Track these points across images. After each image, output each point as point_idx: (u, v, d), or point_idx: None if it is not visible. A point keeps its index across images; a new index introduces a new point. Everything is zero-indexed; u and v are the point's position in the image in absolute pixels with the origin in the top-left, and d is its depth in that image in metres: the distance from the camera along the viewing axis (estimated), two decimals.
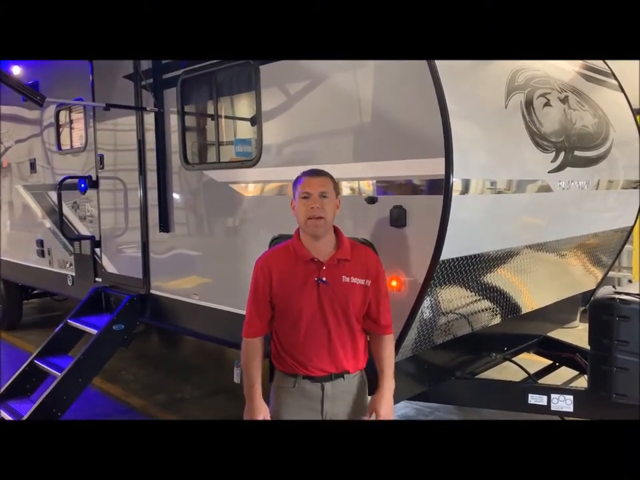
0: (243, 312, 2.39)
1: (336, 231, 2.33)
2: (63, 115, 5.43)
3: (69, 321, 4.58)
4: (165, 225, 4.23)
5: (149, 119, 4.27)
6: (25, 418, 3.82)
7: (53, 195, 5.35)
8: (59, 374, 4.02)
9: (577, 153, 3.60)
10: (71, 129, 5.34)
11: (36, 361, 4.36)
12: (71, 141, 5.34)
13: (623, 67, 4.44)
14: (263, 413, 2.28)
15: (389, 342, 2.40)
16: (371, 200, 2.93)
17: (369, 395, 2.42)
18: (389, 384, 2.35)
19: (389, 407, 2.34)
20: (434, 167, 2.66)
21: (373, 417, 2.33)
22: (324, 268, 2.25)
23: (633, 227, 4.60)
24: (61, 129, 5.50)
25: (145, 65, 4.21)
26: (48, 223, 5.69)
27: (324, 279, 2.24)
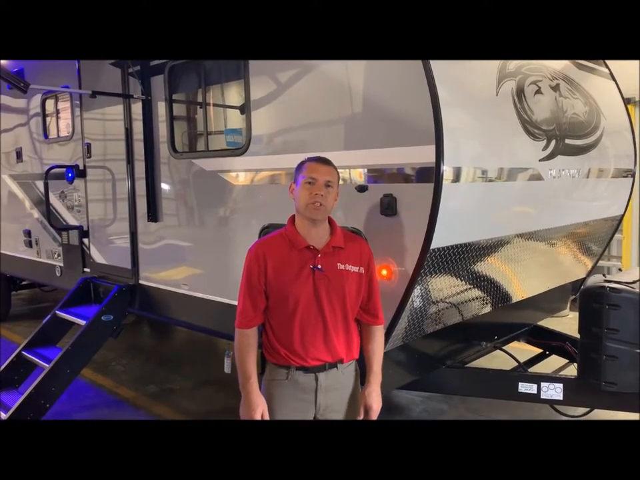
0: (234, 302, 2.35)
1: (329, 220, 2.32)
2: (50, 104, 5.36)
3: (57, 311, 4.54)
4: (153, 215, 4.19)
5: (137, 107, 4.21)
6: (12, 409, 3.79)
7: (40, 185, 5.28)
8: (47, 365, 3.98)
9: (567, 141, 3.59)
10: (58, 117, 5.26)
11: (24, 352, 4.31)
12: (58, 130, 5.27)
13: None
14: (261, 407, 2.22)
15: (379, 333, 2.39)
16: (361, 188, 2.90)
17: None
18: (377, 377, 2.35)
19: (380, 400, 2.35)
20: (424, 155, 2.63)
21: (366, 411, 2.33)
22: (319, 255, 2.23)
23: (623, 216, 4.61)
24: (47, 118, 5.42)
25: None
26: (35, 213, 5.63)
27: (319, 266, 2.22)
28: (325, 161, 2.28)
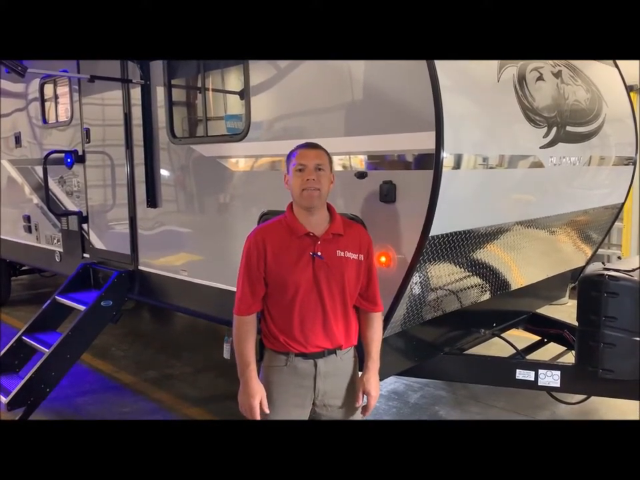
0: (233, 288, 2.35)
1: (328, 206, 2.31)
2: (48, 88, 5.32)
3: (56, 297, 4.55)
4: (152, 201, 4.18)
5: (136, 92, 4.18)
6: (13, 393, 3.81)
7: (39, 170, 5.25)
8: (47, 350, 4.00)
9: (569, 128, 3.57)
10: (57, 102, 5.23)
11: (24, 337, 4.33)
12: (57, 115, 5.24)
13: None
14: (259, 394, 2.21)
15: (377, 320, 2.40)
16: (361, 175, 2.89)
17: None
18: (375, 363, 2.35)
19: (378, 386, 2.36)
20: (424, 141, 2.62)
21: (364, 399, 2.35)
22: (319, 242, 2.22)
23: (623, 204, 4.60)
24: (46, 103, 5.39)
25: None
26: (35, 199, 5.62)
27: (319, 253, 2.21)
28: (312, 145, 2.26)
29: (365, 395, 2.34)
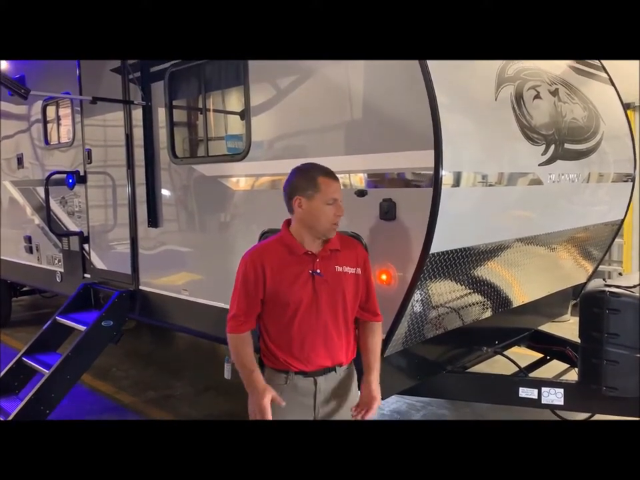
0: None
1: None
2: (50, 110, 5.37)
3: (57, 317, 4.54)
4: (153, 221, 4.19)
5: (137, 113, 4.23)
6: (12, 415, 3.78)
7: (41, 191, 5.29)
8: (47, 371, 3.98)
9: (567, 145, 3.60)
10: (59, 123, 5.28)
11: (24, 358, 4.31)
12: (59, 136, 5.29)
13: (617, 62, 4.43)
14: (269, 392, 2.16)
15: (377, 329, 2.40)
16: (361, 193, 2.91)
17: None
18: (376, 375, 2.33)
19: (378, 400, 2.32)
20: (423, 160, 2.64)
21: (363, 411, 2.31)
22: (317, 260, 2.23)
23: (623, 220, 4.60)
24: (48, 124, 5.44)
25: None
26: (36, 219, 5.64)
27: (318, 270, 2.22)
28: (335, 176, 2.27)
29: (369, 402, 2.27)
